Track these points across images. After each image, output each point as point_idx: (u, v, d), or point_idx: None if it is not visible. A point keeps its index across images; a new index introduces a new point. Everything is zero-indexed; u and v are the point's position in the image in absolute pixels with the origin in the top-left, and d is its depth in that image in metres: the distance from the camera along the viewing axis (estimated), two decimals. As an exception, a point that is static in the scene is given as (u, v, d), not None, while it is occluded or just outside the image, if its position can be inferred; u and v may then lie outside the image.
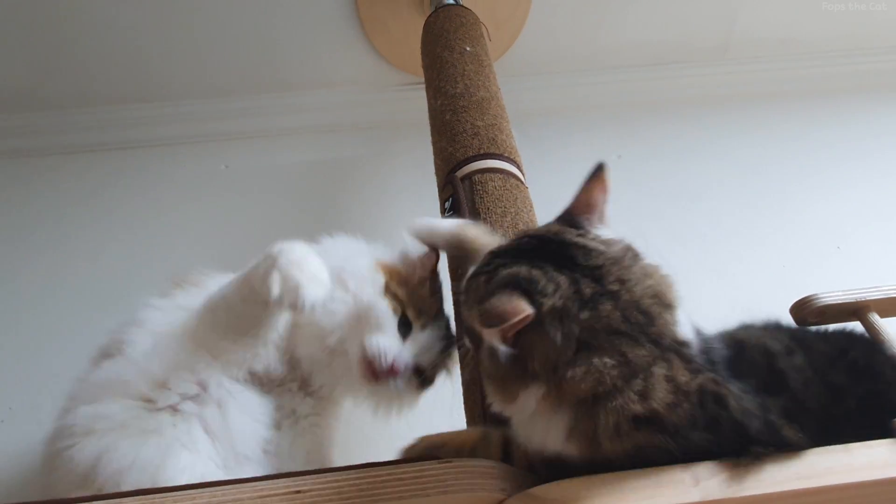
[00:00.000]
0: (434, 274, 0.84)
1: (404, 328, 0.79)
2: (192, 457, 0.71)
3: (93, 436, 0.70)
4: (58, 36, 1.42)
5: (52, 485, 0.71)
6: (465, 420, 0.75)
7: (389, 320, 0.78)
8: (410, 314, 0.80)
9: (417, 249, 0.83)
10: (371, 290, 0.79)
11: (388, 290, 0.80)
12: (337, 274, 0.79)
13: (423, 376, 0.81)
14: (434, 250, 0.83)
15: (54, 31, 1.41)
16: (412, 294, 0.82)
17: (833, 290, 0.63)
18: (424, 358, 0.80)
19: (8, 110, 1.52)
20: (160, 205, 1.44)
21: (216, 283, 0.82)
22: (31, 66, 1.47)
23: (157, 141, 1.54)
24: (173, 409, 0.73)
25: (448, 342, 0.83)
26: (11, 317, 1.26)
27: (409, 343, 0.79)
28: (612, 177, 1.81)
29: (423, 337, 0.80)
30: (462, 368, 0.78)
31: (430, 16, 1.31)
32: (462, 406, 0.76)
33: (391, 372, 0.76)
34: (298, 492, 0.49)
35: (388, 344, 0.76)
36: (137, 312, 0.82)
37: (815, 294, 0.63)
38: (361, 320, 0.78)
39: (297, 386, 0.82)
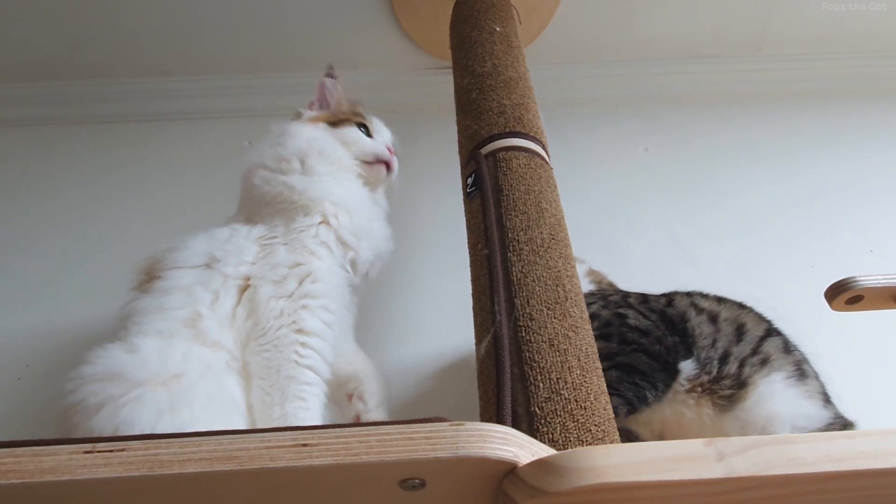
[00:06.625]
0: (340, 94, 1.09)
1: (365, 131, 1.03)
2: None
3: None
4: (89, 6, 1.43)
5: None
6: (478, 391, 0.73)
7: (359, 134, 1.01)
8: (358, 123, 1.03)
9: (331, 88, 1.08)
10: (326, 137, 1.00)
11: (338, 122, 1.02)
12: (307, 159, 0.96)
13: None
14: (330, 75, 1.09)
15: (86, 1, 1.43)
16: (346, 115, 1.04)
17: (873, 274, 0.60)
18: (389, 137, 1.06)
19: (37, 79, 1.54)
20: (182, 178, 1.44)
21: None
22: (60, 37, 1.48)
23: (181, 115, 1.54)
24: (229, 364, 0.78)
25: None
26: (32, 278, 1.28)
27: (376, 135, 1.04)
28: (639, 169, 1.76)
29: (377, 127, 1.06)
30: (477, 344, 0.77)
31: (460, -4, 1.30)
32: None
33: (391, 153, 1.03)
34: (306, 445, 0.47)
35: (374, 142, 1.02)
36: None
37: (854, 277, 0.60)
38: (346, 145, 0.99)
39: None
